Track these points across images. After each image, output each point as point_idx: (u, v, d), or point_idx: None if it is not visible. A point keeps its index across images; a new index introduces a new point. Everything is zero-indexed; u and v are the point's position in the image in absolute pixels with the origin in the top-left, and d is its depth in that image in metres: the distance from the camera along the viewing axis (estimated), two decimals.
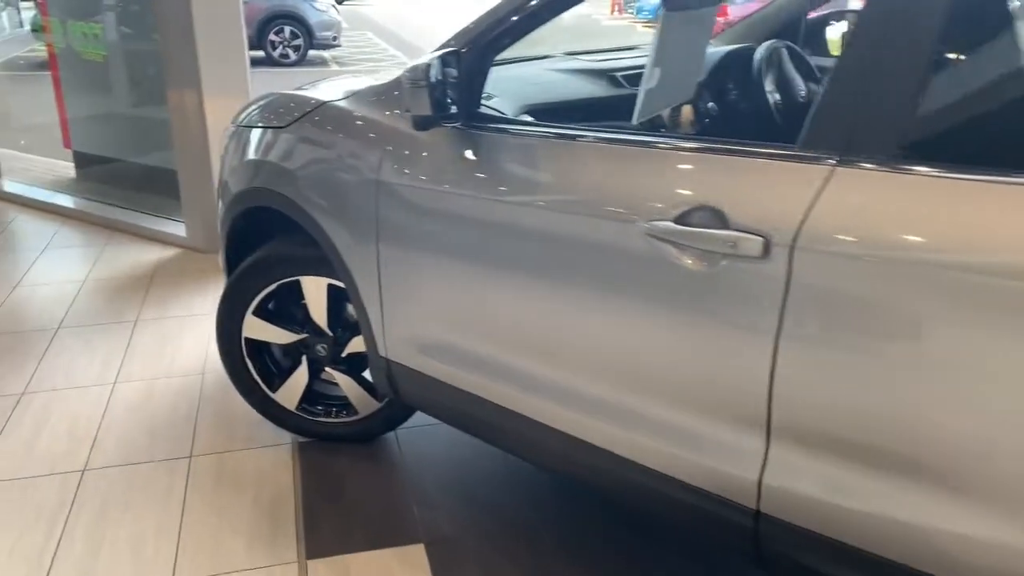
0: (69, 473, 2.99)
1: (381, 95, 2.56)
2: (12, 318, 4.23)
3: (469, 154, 2.23)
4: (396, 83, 2.51)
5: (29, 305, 4.37)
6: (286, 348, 3.11)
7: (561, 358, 2.13)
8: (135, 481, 2.95)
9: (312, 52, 15.44)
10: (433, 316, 2.42)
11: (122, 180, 6.20)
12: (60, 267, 4.87)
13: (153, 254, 5.08)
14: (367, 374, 3.08)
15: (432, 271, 2.36)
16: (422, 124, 2.20)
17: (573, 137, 2.12)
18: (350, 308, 2.96)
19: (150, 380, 3.63)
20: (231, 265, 3.22)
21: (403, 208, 2.40)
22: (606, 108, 2.86)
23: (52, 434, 3.23)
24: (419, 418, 3.09)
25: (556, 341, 2.12)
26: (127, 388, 3.57)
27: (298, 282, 2.90)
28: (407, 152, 2.38)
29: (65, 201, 5.92)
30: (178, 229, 5.28)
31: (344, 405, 3.12)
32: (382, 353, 2.65)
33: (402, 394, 2.68)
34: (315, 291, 2.90)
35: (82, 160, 6.59)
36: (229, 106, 4.52)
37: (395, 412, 3.03)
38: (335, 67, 14.95)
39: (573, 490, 2.88)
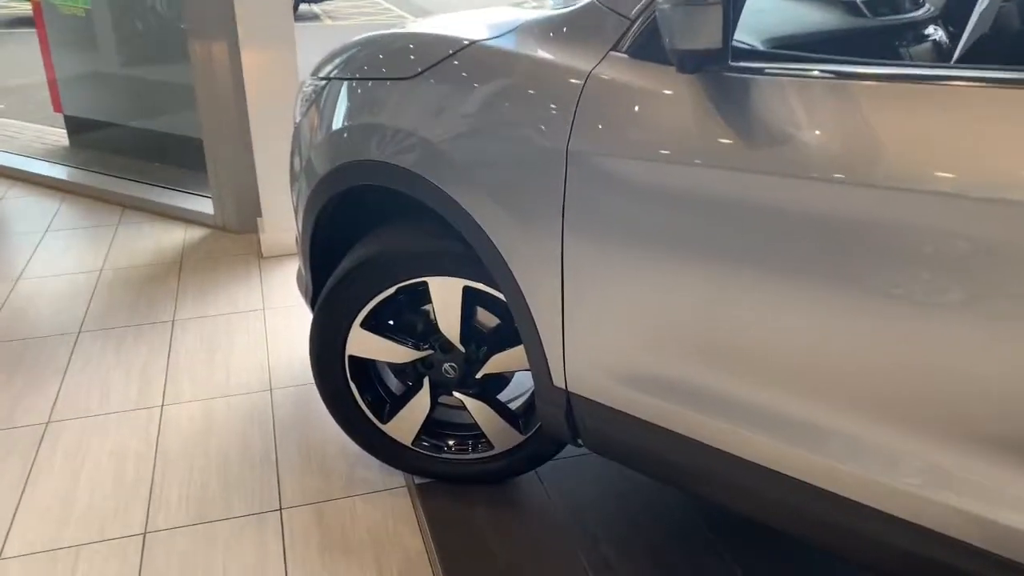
0: (126, 539, 2.30)
1: (568, 26, 1.84)
2: (19, 321, 3.49)
3: (744, 110, 1.52)
4: (593, 9, 1.79)
5: (38, 303, 3.62)
6: (401, 368, 2.41)
7: (857, 396, 1.47)
8: (214, 547, 2.26)
9: (303, 6, 14.47)
10: (651, 337, 1.73)
11: (124, 148, 5.41)
12: (68, 254, 4.12)
13: (175, 236, 4.34)
14: (511, 398, 2.40)
15: (654, 275, 1.68)
16: (696, 63, 1.49)
17: (917, 79, 1.42)
18: (485, 317, 2.27)
19: (206, 401, 2.92)
20: (318, 265, 2.50)
21: (610, 188, 1.70)
22: (871, 40, 2.16)
23: (93, 480, 2.53)
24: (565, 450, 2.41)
25: (849, 373, 1.46)
26: (179, 412, 2.86)
27: (423, 285, 2.19)
28: (620, 109, 1.67)
29: (64, 173, 5.12)
30: (203, 206, 4.52)
31: (474, 437, 2.44)
32: (558, 383, 1.96)
33: (587, 437, 2.00)
34: (446, 296, 2.20)
35: (76, 126, 5.78)
36: (272, 60, 3.76)
37: (542, 447, 2.35)
38: (329, 22, 14.00)
39: (771, 532, 2.23)
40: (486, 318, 2.30)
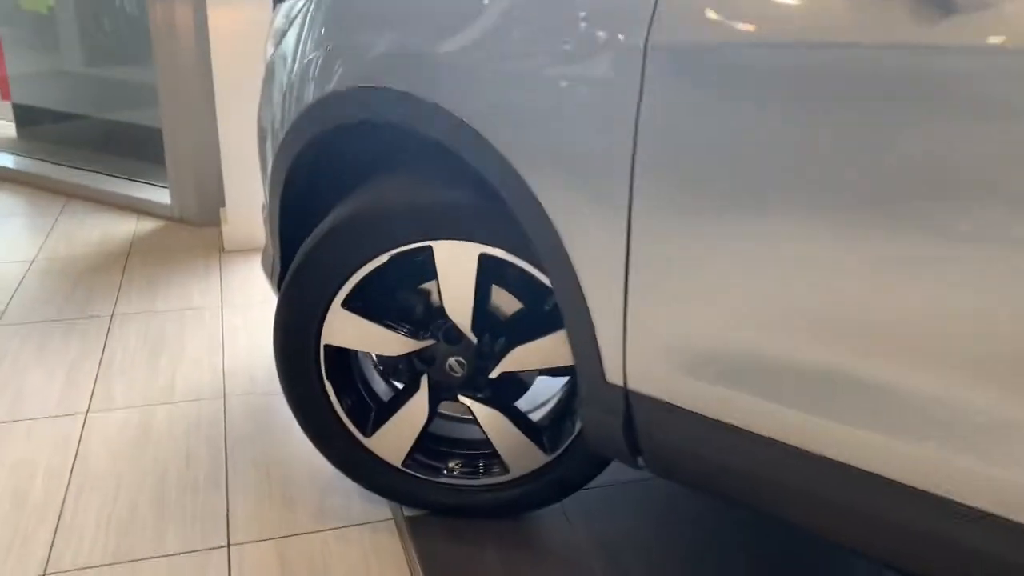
0: None
1: None
2: None
3: None
4: None
5: None
6: (392, 365, 1.88)
7: None
8: None
9: None
10: (761, 314, 1.23)
11: (78, 140, 4.85)
12: None
13: (125, 227, 3.78)
14: (530, 409, 1.88)
15: (775, 224, 1.18)
16: None
17: None
18: (503, 298, 1.75)
19: (143, 408, 2.36)
20: (289, 235, 1.97)
21: (710, 99, 1.20)
22: None
23: None
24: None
25: None
26: (108, 421, 2.29)
27: (425, 252, 1.67)
28: None
29: (5, 161, 4.55)
30: (158, 195, 3.98)
31: (483, 457, 1.91)
32: (613, 380, 1.44)
33: (652, 454, 1.47)
34: (457, 268, 1.68)
35: (25, 115, 5.21)
36: (244, 23, 3.25)
37: (572, 472, 1.82)
38: None
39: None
40: (504, 300, 1.77)
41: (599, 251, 1.37)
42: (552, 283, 1.48)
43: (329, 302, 1.75)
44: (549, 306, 1.73)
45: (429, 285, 1.81)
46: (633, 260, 1.34)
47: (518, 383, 1.87)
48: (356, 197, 1.73)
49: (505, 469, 1.86)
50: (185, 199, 3.83)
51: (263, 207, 2.21)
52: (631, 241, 1.33)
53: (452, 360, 1.80)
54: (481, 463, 1.91)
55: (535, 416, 1.90)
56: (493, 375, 1.77)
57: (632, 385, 1.42)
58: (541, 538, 1.88)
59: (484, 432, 1.83)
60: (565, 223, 1.40)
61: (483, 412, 1.81)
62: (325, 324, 1.77)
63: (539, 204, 1.42)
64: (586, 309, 1.43)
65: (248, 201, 3.50)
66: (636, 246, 1.33)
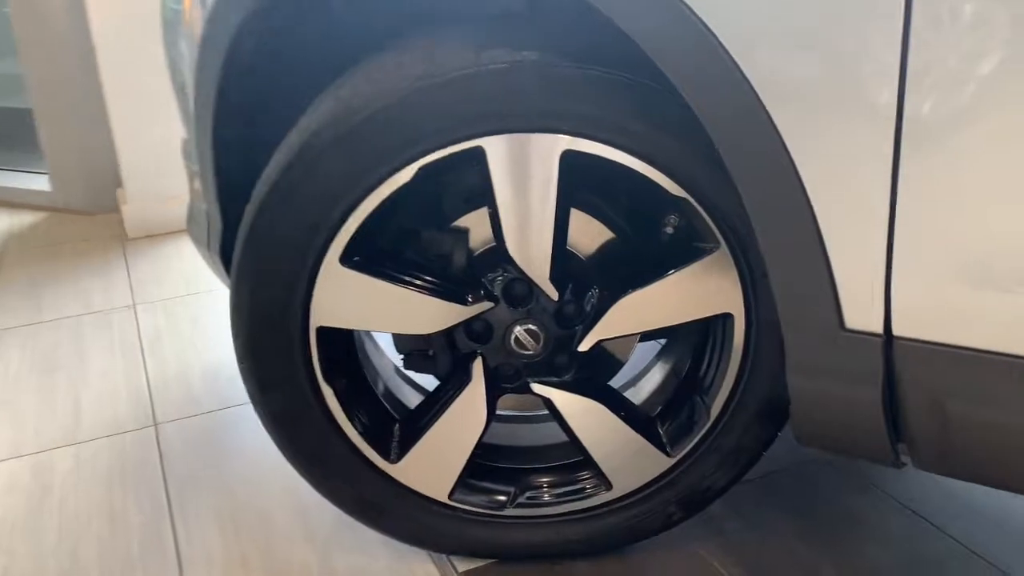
0: None
1: None
2: None
3: None
4: None
5: None
6: (420, 351, 1.23)
7: None
8: None
9: None
10: None
11: None
12: None
13: None
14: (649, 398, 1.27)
15: None
16: None
17: None
18: (584, 229, 1.13)
19: (37, 456, 1.64)
20: (233, 177, 1.30)
21: None
22: None
23: None
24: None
25: None
26: None
27: (467, 159, 1.03)
28: None
29: None
30: (35, 183, 3.19)
31: (568, 472, 1.28)
32: (861, 326, 0.83)
33: (944, 439, 0.85)
34: (527, 178, 1.04)
35: None
36: None
37: (701, 480, 1.22)
38: None
39: None
40: (588, 231, 1.15)
41: (850, 150, 0.77)
42: (747, 199, 0.87)
43: (318, 260, 1.09)
44: (671, 230, 1.11)
45: (468, 220, 1.17)
46: (908, 126, 0.74)
47: (609, 358, 1.25)
48: (349, 83, 1.07)
49: (605, 485, 1.23)
50: (69, 184, 3.06)
51: (183, 148, 1.52)
52: (905, 101, 0.73)
53: (520, 330, 1.17)
54: (567, 481, 1.27)
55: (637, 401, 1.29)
56: (584, 346, 1.14)
57: (902, 330, 0.81)
58: None
59: (571, 434, 1.20)
60: (795, 120, 0.79)
61: (571, 404, 1.19)
62: (315, 295, 1.11)
63: (750, 88, 0.81)
64: (814, 230, 0.82)
65: (153, 175, 2.77)
66: (911, 112, 0.73)
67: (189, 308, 2.25)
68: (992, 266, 0.76)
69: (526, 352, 1.17)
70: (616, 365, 1.26)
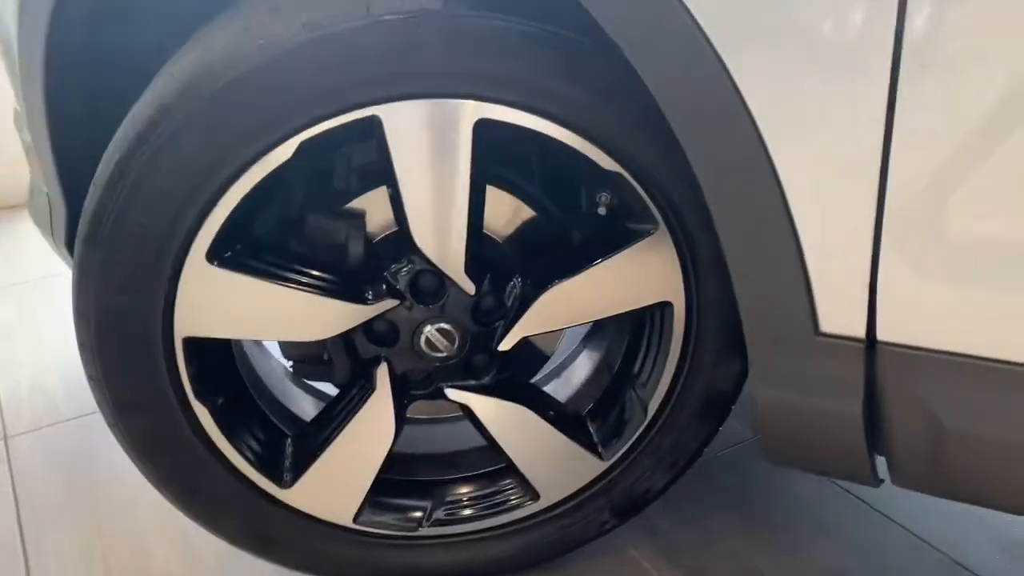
0: None
1: None
2: None
3: None
4: None
5: None
6: (313, 357, 1.04)
7: None
8: None
9: None
10: None
11: None
12: None
13: None
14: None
15: None
16: None
17: None
18: (500, 209, 0.97)
19: None
20: (75, 141, 1.07)
21: None
22: None
23: None
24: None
25: None
26: None
27: (359, 130, 0.85)
28: None
29: None
30: None
31: (488, 483, 1.14)
32: (838, 329, 0.70)
33: (933, 453, 0.74)
34: (434, 152, 0.86)
35: None
36: None
37: (636, 483, 1.09)
38: None
39: None
40: (504, 211, 0.99)
41: (833, 133, 0.63)
42: (706, 189, 0.73)
43: (180, 258, 0.89)
44: (603, 210, 0.96)
45: (364, 201, 0.99)
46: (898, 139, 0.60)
47: (532, 353, 1.10)
48: (204, 41, 0.86)
49: (531, 496, 1.09)
50: None
51: (15, 118, 1.28)
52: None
53: (431, 330, 1.00)
54: (488, 492, 1.13)
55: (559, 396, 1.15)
56: (506, 345, 0.99)
57: (886, 335, 0.69)
58: None
59: (493, 442, 1.05)
60: (767, 96, 0.64)
61: (493, 410, 1.04)
62: (179, 300, 0.91)
63: (715, 55, 0.65)
64: (788, 227, 0.68)
65: None
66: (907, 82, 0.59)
67: (44, 293, 1.98)
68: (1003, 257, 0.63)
69: (439, 354, 1.01)
70: (540, 360, 1.11)
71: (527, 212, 1.00)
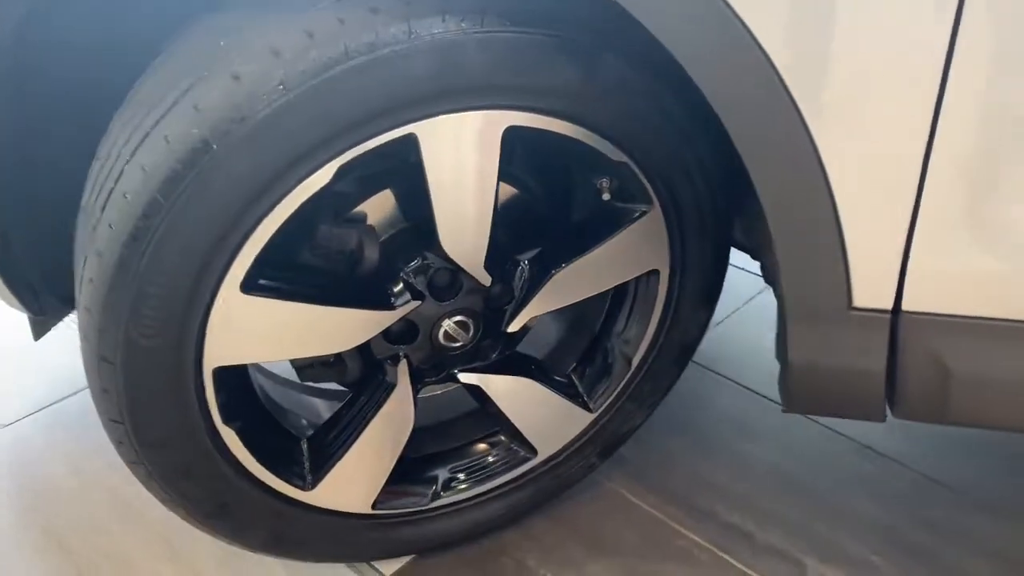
0: None
1: None
2: None
3: None
4: None
5: None
6: (327, 365, 1.05)
7: None
8: None
9: None
10: None
11: None
12: None
13: None
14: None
15: None
16: None
17: None
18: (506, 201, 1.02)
19: None
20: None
21: None
22: None
23: None
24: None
25: None
26: None
27: (407, 145, 0.86)
28: None
29: None
30: None
31: (489, 444, 1.21)
32: (871, 303, 0.85)
33: (941, 395, 0.90)
34: (466, 161, 0.90)
35: None
36: None
37: (617, 425, 1.22)
38: None
39: None
40: (517, 209, 1.04)
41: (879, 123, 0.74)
42: (752, 169, 0.81)
43: (214, 292, 0.87)
44: (607, 196, 1.03)
45: (370, 206, 1.00)
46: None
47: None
48: (233, 59, 0.82)
49: (529, 452, 1.18)
50: None
51: None
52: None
53: (449, 324, 1.04)
54: (491, 456, 1.20)
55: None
56: (515, 327, 1.05)
57: (912, 304, 0.83)
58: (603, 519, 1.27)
59: (500, 413, 1.13)
60: (811, 82, 0.73)
61: (501, 386, 1.11)
62: (210, 333, 0.89)
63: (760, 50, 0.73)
64: (830, 205, 0.80)
65: None
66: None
67: None
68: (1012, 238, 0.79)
69: (456, 344, 1.05)
70: (525, 331, 1.18)
71: (529, 202, 1.05)
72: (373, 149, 0.86)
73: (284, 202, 0.84)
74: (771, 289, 1.01)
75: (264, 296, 0.90)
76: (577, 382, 1.19)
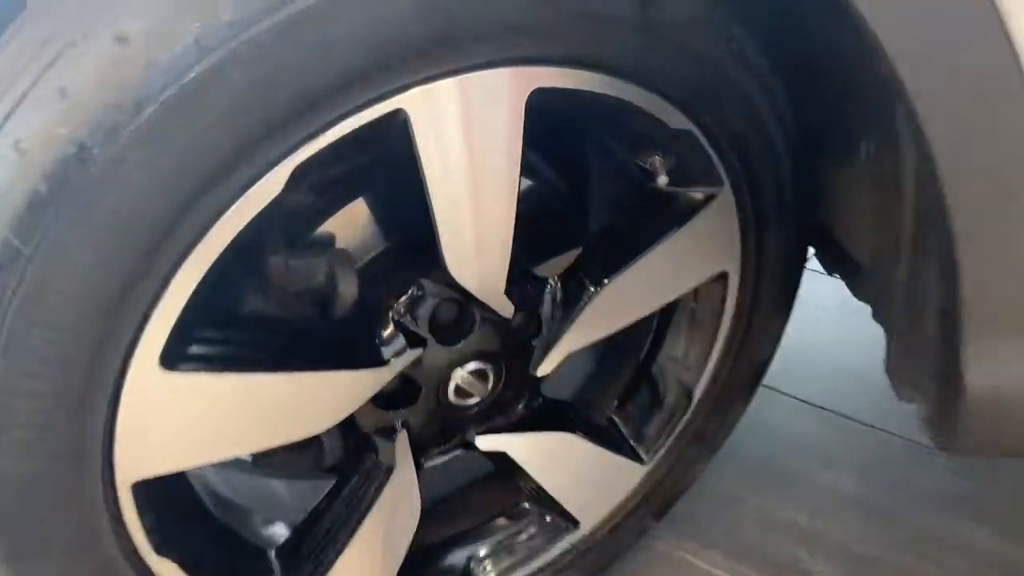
0: None
1: None
2: None
3: None
4: None
5: None
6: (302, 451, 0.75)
7: None
8: None
9: None
10: None
11: None
12: None
13: None
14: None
15: None
16: None
17: None
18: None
19: None
20: None
21: None
22: None
23: None
24: None
25: None
26: None
27: (390, 128, 0.58)
28: None
29: None
30: None
31: (513, 519, 0.92)
32: None
33: None
34: (477, 142, 0.61)
35: None
36: None
37: (674, 477, 0.94)
38: None
39: None
40: (540, 204, 0.76)
41: None
42: (929, 131, 0.55)
43: (120, 374, 0.57)
44: (664, 179, 0.75)
45: (338, 223, 0.71)
46: None
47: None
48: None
49: (569, 524, 0.90)
50: None
51: None
52: None
53: (462, 375, 0.75)
54: (521, 533, 0.92)
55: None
56: (547, 368, 0.77)
57: None
58: None
59: (530, 480, 0.84)
60: None
61: (533, 448, 0.82)
62: (120, 435, 0.59)
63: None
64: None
65: None
66: None
67: None
68: None
69: (471, 401, 0.77)
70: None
71: (550, 196, 0.77)
72: (342, 139, 0.57)
73: (216, 228, 0.55)
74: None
75: (198, 370, 0.60)
76: (622, 426, 0.91)
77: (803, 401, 1.26)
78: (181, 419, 0.61)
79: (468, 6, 0.54)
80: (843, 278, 0.93)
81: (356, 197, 0.70)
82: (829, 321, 1.39)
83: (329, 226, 0.71)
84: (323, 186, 0.70)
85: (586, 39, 0.60)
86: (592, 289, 0.75)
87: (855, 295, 0.93)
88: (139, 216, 0.51)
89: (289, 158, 0.55)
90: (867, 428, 1.20)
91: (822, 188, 0.82)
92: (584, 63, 0.62)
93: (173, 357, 0.58)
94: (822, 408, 1.24)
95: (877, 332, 0.78)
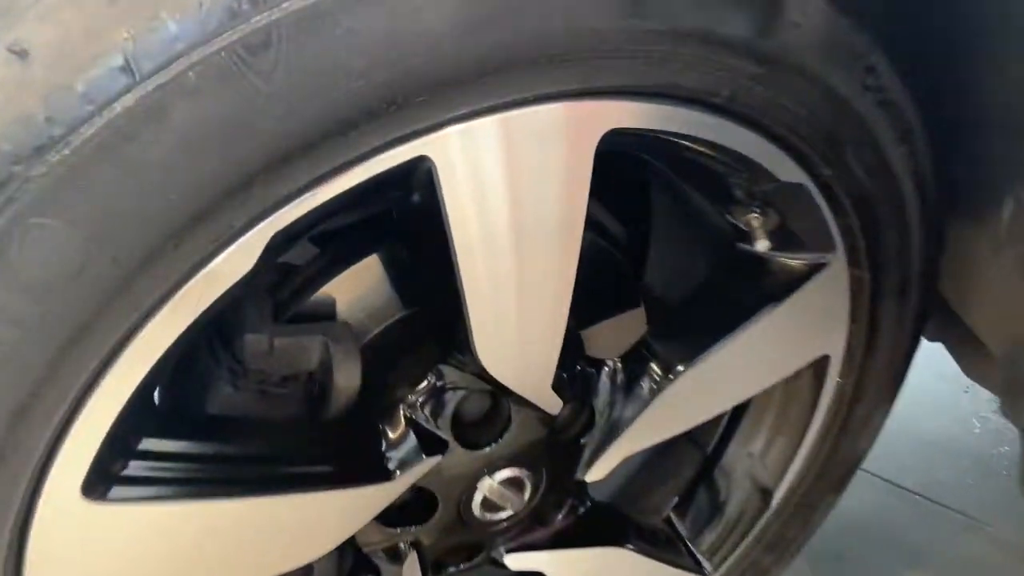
0: None
1: None
2: None
3: None
4: None
5: None
6: None
7: None
8: None
9: None
10: None
11: None
12: None
13: None
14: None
15: None
16: None
17: None
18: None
19: None
20: None
21: None
22: None
23: None
24: None
25: None
26: None
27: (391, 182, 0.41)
28: None
29: None
30: None
31: None
32: None
33: None
34: (529, 199, 0.44)
35: None
36: None
37: None
38: None
39: None
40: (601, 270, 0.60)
41: None
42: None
43: (24, 511, 0.41)
44: (765, 243, 0.58)
45: (340, 287, 0.54)
46: None
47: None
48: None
49: None
50: None
51: None
52: None
53: (491, 486, 0.58)
54: None
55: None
56: (597, 473, 0.61)
57: None
58: None
59: None
60: None
61: (576, 567, 0.66)
62: None
63: None
64: None
65: None
66: None
67: None
68: None
69: (500, 515, 0.60)
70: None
71: (612, 259, 0.61)
72: (346, 192, 0.40)
73: (159, 318, 0.39)
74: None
75: (138, 498, 0.44)
76: (682, 530, 0.75)
77: (891, 483, 1.07)
78: (115, 562, 0.45)
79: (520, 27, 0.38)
80: (952, 352, 0.76)
81: (370, 254, 0.54)
82: (927, 388, 1.17)
83: (333, 289, 0.55)
84: (323, 239, 0.54)
85: (686, 66, 0.43)
86: (662, 377, 0.59)
87: (968, 375, 0.77)
88: (34, 309, 0.35)
89: (264, 222, 0.39)
90: (961, 518, 1.02)
91: (947, 254, 0.65)
92: (676, 97, 0.45)
93: (102, 482, 0.42)
94: (911, 492, 1.06)
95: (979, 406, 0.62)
